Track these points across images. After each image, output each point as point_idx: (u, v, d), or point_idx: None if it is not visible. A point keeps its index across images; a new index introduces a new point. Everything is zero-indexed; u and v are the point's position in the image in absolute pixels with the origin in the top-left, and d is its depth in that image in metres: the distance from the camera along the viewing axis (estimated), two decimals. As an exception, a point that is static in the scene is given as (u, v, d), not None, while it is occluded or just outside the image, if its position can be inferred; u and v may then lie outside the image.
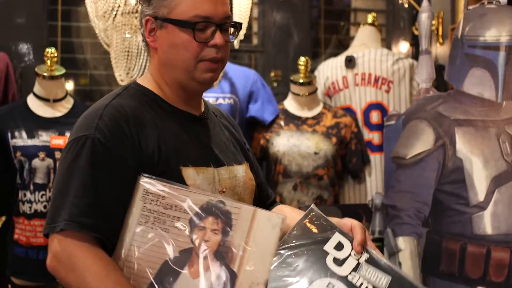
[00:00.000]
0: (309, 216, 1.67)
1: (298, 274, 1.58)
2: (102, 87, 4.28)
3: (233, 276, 1.55)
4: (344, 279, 1.57)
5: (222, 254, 1.56)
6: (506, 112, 2.81)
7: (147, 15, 1.70)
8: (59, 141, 3.21)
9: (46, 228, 1.57)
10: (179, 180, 1.62)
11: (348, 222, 1.68)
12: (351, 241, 1.63)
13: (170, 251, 1.55)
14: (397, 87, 3.66)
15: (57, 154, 3.18)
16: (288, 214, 1.69)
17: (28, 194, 3.17)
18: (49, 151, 3.18)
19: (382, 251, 3.02)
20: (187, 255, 1.55)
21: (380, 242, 3.08)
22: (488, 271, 2.72)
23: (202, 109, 1.82)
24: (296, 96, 3.62)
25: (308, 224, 1.66)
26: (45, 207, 3.15)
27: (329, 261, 1.60)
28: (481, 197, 2.76)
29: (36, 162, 3.17)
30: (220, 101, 3.48)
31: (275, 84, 4.48)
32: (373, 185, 3.63)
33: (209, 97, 3.47)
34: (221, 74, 3.38)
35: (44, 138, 3.21)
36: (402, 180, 2.98)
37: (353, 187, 3.68)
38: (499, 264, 2.70)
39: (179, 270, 1.54)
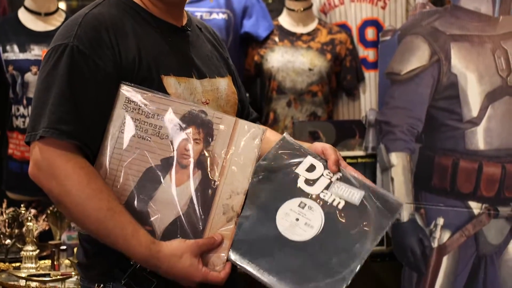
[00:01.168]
0: (282, 144, 1.69)
1: (270, 196, 1.60)
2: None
3: (213, 185, 1.56)
4: (316, 197, 1.60)
5: (203, 164, 1.57)
6: (502, 27, 2.78)
7: None
8: (51, 55, 3.17)
9: (27, 136, 1.56)
10: (160, 89, 1.61)
11: (319, 146, 1.70)
12: (324, 163, 1.65)
13: (152, 159, 1.56)
14: (393, 3, 3.61)
15: (50, 69, 3.16)
16: (268, 139, 1.72)
17: (21, 108, 3.16)
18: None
19: (375, 167, 3.05)
20: (168, 164, 1.56)
21: (373, 158, 3.09)
22: (479, 185, 2.74)
23: (185, 22, 1.80)
24: (291, 12, 3.58)
25: (281, 151, 1.67)
26: (38, 121, 3.14)
27: (300, 182, 1.62)
28: (474, 112, 2.76)
29: (28, 76, 3.15)
30: (214, 15, 3.43)
31: (269, 1, 4.42)
32: (367, 102, 3.63)
33: (203, 11, 3.42)
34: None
35: (36, 52, 3.18)
36: (396, 96, 2.98)
37: (347, 104, 3.67)
38: (490, 179, 2.72)
39: (160, 178, 1.56)
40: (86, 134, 1.54)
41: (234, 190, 1.57)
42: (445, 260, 2.80)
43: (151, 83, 1.61)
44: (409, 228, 2.87)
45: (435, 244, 2.80)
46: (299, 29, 3.58)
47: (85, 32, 1.57)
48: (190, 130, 1.58)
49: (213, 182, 1.56)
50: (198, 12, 3.41)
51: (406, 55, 2.96)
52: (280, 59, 3.50)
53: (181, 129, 1.57)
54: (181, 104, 1.59)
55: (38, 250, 2.60)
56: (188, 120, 1.58)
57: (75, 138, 1.53)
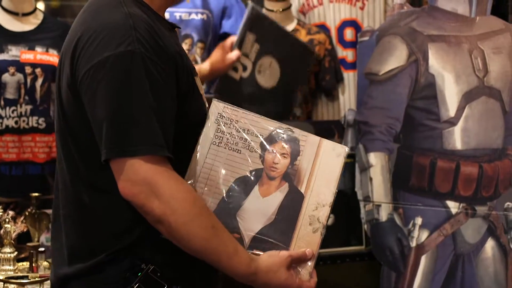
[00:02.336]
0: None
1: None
2: (72, 2, 4.19)
3: (300, 196, 1.64)
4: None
5: (290, 176, 1.65)
6: (479, 27, 2.81)
7: None
8: (29, 56, 3.15)
9: (111, 152, 1.49)
10: (196, 89, 1.64)
11: None
12: None
13: (242, 170, 1.64)
14: (371, 4, 3.63)
15: (27, 69, 3.13)
16: None
17: (-2, 109, 3.13)
18: (19, 66, 3.13)
19: (353, 167, 3.06)
20: (257, 175, 1.64)
21: (351, 158, 3.10)
22: (457, 185, 2.77)
23: None
24: (270, 12, 3.58)
25: None
26: (16, 122, 3.12)
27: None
28: (452, 112, 2.78)
29: (6, 77, 3.12)
30: (193, 16, 3.43)
31: (248, 1, 4.42)
32: (346, 102, 3.64)
33: (181, 12, 3.41)
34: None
35: (14, 52, 3.15)
36: (374, 96, 2.99)
37: (326, 105, 3.68)
38: (468, 178, 2.75)
39: (249, 188, 1.63)
40: (171, 144, 1.53)
41: (320, 202, 1.65)
42: (423, 259, 2.82)
43: (193, 84, 1.63)
44: (387, 228, 2.89)
45: (413, 244, 2.82)
46: (278, 30, 3.58)
47: (143, 36, 1.52)
48: (278, 145, 1.67)
49: (299, 194, 1.65)
50: (177, 12, 3.40)
51: (384, 55, 2.98)
52: (259, 59, 3.50)
53: (270, 143, 1.66)
54: (269, 121, 1.68)
55: (16, 252, 2.58)
56: (276, 136, 1.67)
57: (169, 151, 1.51)
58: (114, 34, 1.51)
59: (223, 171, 1.63)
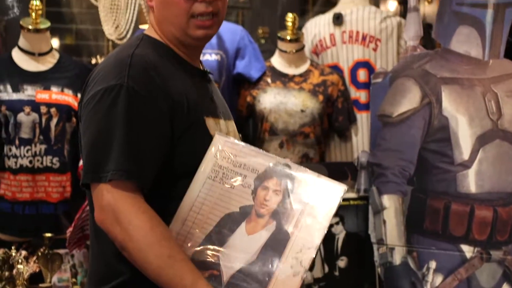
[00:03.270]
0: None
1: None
2: (88, 42, 4.24)
3: (286, 237, 1.59)
4: None
5: (280, 215, 1.61)
6: (492, 70, 2.81)
7: None
8: (45, 96, 3.18)
9: (88, 177, 1.57)
10: (204, 130, 1.66)
11: None
12: None
13: (232, 206, 1.62)
14: (384, 45, 3.64)
15: (43, 109, 3.16)
16: None
17: (13, 148, 3.15)
18: (35, 106, 3.16)
19: (367, 209, 3.05)
20: (246, 212, 1.62)
21: (365, 200, 3.09)
22: (471, 229, 2.75)
23: (200, 64, 1.84)
24: (283, 53, 3.60)
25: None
26: (30, 162, 3.13)
27: None
28: (466, 155, 2.78)
29: (21, 116, 3.15)
30: (207, 56, 3.45)
31: (262, 41, 4.45)
32: (359, 143, 3.64)
33: (196, 53, 3.44)
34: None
35: (30, 92, 3.18)
36: (388, 139, 2.99)
37: (339, 146, 3.68)
38: (482, 222, 2.73)
39: (236, 224, 1.61)
40: (148, 174, 1.57)
41: (306, 245, 1.58)
42: (438, 303, 2.79)
43: (198, 124, 1.66)
44: (401, 271, 2.86)
45: (427, 288, 2.80)
46: (291, 71, 3.60)
47: (137, 72, 1.60)
48: (272, 181, 1.63)
49: (285, 235, 1.59)
50: (191, 53, 3.42)
51: (398, 97, 2.98)
52: (272, 100, 3.51)
53: (264, 179, 1.63)
54: (267, 156, 1.66)
55: (28, 293, 2.58)
56: (272, 171, 1.64)
57: (139, 178, 1.55)
58: (111, 70, 1.62)
59: (214, 206, 1.62)
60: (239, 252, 1.59)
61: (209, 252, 1.59)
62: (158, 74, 1.63)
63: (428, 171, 2.85)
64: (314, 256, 1.59)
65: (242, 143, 1.67)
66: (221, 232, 1.60)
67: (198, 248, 1.60)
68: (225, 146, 1.66)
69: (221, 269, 1.58)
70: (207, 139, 1.68)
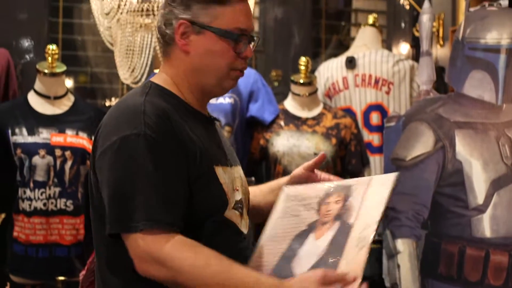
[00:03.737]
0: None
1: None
2: (103, 85, 4.28)
3: (349, 227, 1.68)
4: None
5: (342, 215, 1.72)
6: (506, 115, 2.82)
7: (182, 19, 1.72)
8: (59, 139, 3.21)
9: (117, 227, 1.58)
10: (214, 178, 1.69)
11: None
12: None
13: (300, 227, 1.74)
14: (397, 89, 3.66)
15: (57, 152, 3.19)
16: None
17: (28, 191, 3.17)
18: (49, 149, 3.18)
19: (381, 253, 3.03)
20: (313, 226, 1.74)
21: (379, 244, 3.08)
22: (486, 274, 2.72)
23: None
24: (296, 96, 3.63)
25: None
26: (44, 204, 3.15)
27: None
28: (480, 200, 2.77)
29: (36, 159, 3.17)
30: (221, 100, 3.47)
31: (275, 84, 4.48)
32: (372, 186, 3.63)
33: (210, 96, 3.46)
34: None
35: (45, 135, 3.21)
36: (401, 182, 2.98)
37: (353, 188, 3.67)
38: (498, 267, 2.71)
39: (305, 238, 1.71)
40: (179, 220, 1.60)
41: (368, 223, 1.66)
42: None
43: (209, 173, 1.68)
44: (416, 317, 2.84)
45: (442, 333, 2.77)
46: (304, 113, 3.61)
47: (153, 120, 1.62)
48: (332, 197, 1.78)
49: (348, 225, 1.69)
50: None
51: (411, 141, 2.98)
52: (285, 143, 3.52)
53: (325, 199, 1.79)
54: (326, 184, 1.84)
55: (40, 337, 2.57)
56: (332, 191, 1.80)
57: (173, 226, 1.58)
58: (124, 119, 1.64)
59: (285, 234, 1.74)
60: (308, 257, 1.67)
61: (282, 269, 1.68)
62: (171, 122, 1.65)
63: (442, 215, 2.84)
64: (375, 229, 1.65)
65: (306, 185, 1.86)
66: (292, 249, 1.70)
67: (273, 267, 1.69)
68: (293, 192, 1.83)
69: (294, 273, 1.64)
70: (217, 188, 1.70)
